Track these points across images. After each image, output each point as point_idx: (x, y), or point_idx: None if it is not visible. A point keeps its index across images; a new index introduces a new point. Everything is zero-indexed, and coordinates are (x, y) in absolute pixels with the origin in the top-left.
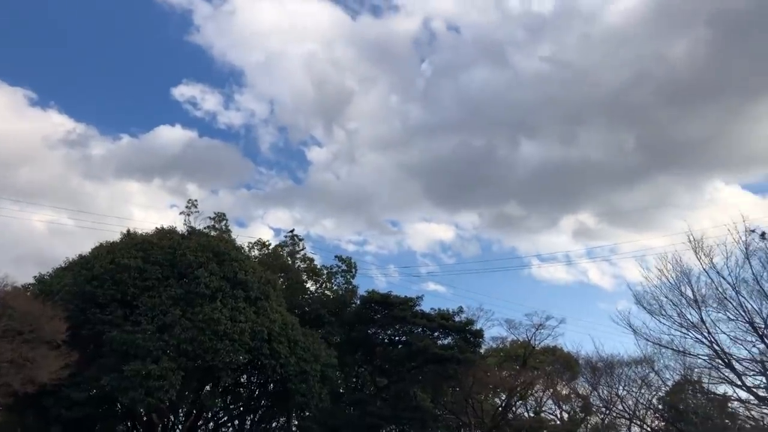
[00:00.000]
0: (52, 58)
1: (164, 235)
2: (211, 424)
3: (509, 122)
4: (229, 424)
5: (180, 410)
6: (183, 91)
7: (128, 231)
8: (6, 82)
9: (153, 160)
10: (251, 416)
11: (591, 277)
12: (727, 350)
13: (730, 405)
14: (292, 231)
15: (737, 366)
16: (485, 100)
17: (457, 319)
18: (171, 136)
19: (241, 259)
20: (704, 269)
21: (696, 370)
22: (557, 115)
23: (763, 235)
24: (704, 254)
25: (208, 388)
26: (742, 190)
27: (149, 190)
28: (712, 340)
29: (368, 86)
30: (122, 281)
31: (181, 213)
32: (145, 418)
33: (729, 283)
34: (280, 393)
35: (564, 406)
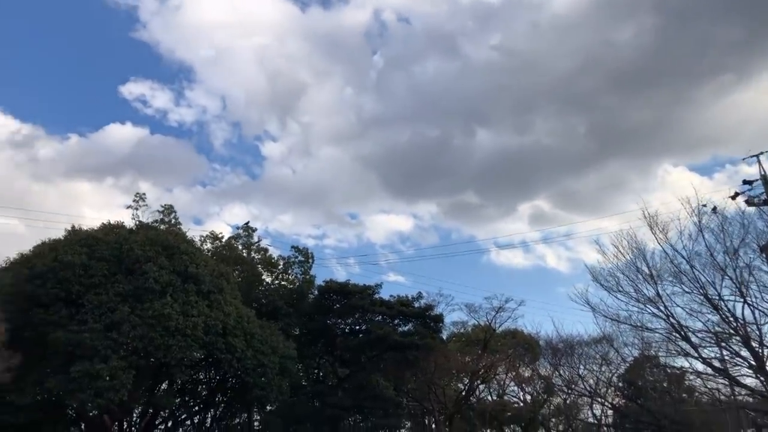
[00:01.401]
0: None
1: (111, 230)
2: (170, 422)
3: (462, 112)
4: (188, 422)
5: (135, 411)
6: (131, 89)
7: (73, 227)
8: None
9: (104, 159)
10: (211, 413)
11: (548, 261)
12: (683, 323)
13: (687, 378)
14: (246, 223)
15: (693, 338)
16: (438, 90)
17: (416, 305)
18: (121, 134)
19: (191, 252)
20: (659, 244)
21: (654, 344)
22: (509, 103)
23: (714, 209)
24: (659, 230)
25: (164, 386)
26: (689, 172)
27: (101, 190)
28: (669, 313)
29: (322, 79)
30: (66, 279)
31: (128, 207)
32: (96, 421)
33: (683, 257)
34: (239, 388)
35: (527, 388)
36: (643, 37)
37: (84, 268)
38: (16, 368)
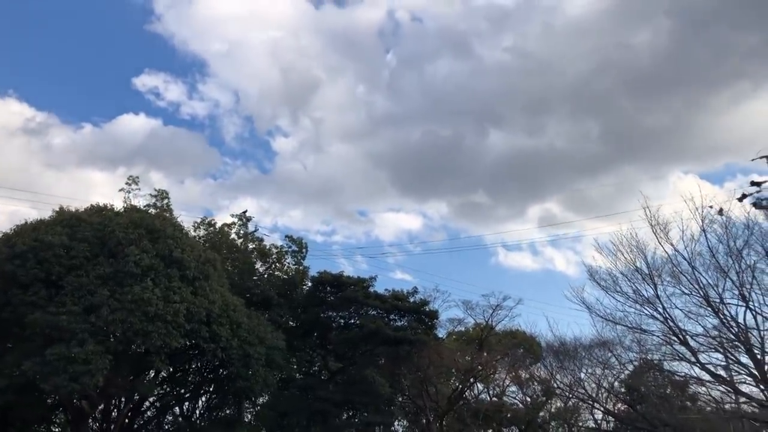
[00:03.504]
0: (10, 46)
1: (97, 211)
2: (153, 410)
3: (474, 112)
4: (169, 412)
5: (115, 398)
6: (145, 81)
7: (61, 208)
8: None
9: (117, 149)
10: (201, 402)
11: (557, 264)
12: (682, 327)
13: (690, 386)
14: (244, 212)
15: (692, 342)
16: (450, 90)
17: (411, 300)
18: (135, 124)
19: (177, 237)
20: (659, 243)
21: (651, 348)
22: (522, 104)
23: (720, 211)
24: (660, 228)
25: (151, 374)
26: (700, 179)
27: (113, 180)
28: (667, 316)
29: (334, 76)
30: (46, 259)
31: (120, 190)
32: (76, 406)
33: (683, 257)
34: (224, 378)
35: (527, 390)
36: (660, 40)
37: (65, 248)
38: None
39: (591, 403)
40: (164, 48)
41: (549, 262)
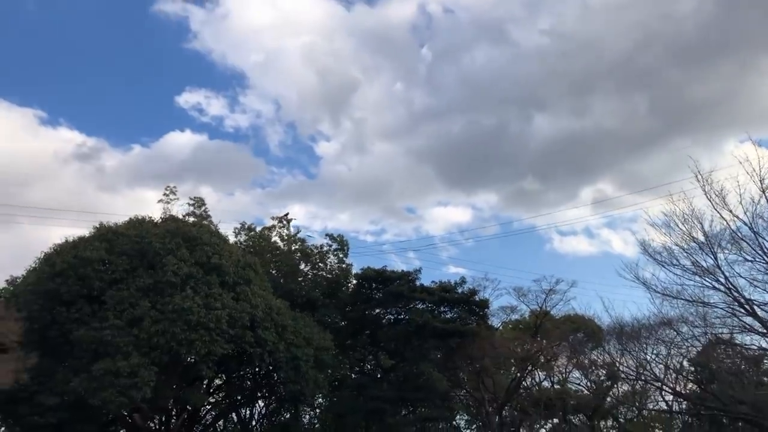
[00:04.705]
0: (56, 76)
1: (135, 224)
2: (210, 418)
3: (517, 98)
4: (221, 420)
5: (170, 410)
6: (187, 98)
7: (101, 224)
8: (15, 102)
9: (165, 167)
10: (257, 408)
11: (615, 246)
12: (747, 296)
13: (766, 360)
14: (286, 214)
15: (760, 312)
16: (489, 79)
17: (459, 290)
18: (181, 141)
19: (214, 243)
20: (715, 209)
21: (713, 320)
22: (566, 86)
23: None
24: (715, 194)
25: (205, 384)
26: (759, 147)
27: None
28: (730, 286)
29: (371, 75)
30: (86, 275)
31: (159, 201)
32: (128, 420)
33: (744, 222)
34: (276, 383)
35: (590, 376)
36: (704, 6)
37: (103, 263)
38: (39, 368)
39: (659, 385)
40: (203, 64)
41: (606, 245)
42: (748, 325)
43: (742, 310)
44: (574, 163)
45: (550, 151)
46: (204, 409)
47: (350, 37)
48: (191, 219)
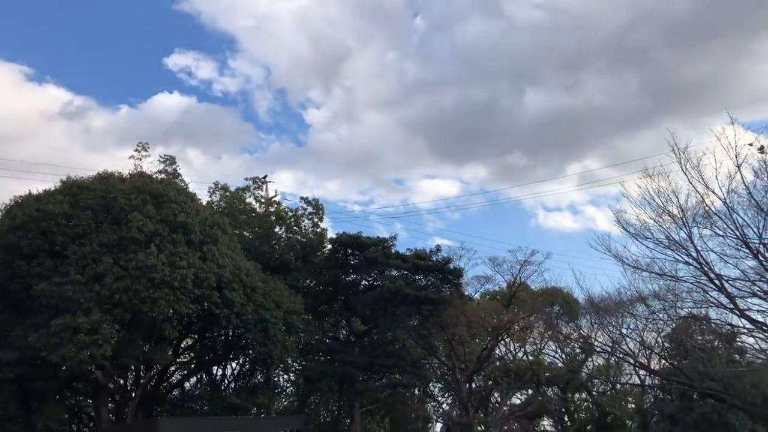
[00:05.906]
0: (44, 33)
1: (102, 179)
2: (178, 377)
3: (509, 72)
4: (192, 379)
5: (133, 369)
6: (176, 60)
7: (68, 177)
8: (1, 57)
9: (154, 129)
10: (230, 369)
11: (599, 223)
12: (718, 272)
13: (739, 338)
14: (264, 177)
15: (729, 288)
16: (482, 52)
17: (434, 258)
18: (169, 103)
19: (182, 201)
20: (689, 182)
21: (682, 293)
22: (558, 61)
23: (761, 149)
24: (689, 166)
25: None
26: (745, 130)
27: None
28: (701, 261)
29: (364, 43)
30: (49, 229)
31: (130, 157)
32: (90, 377)
33: (717, 196)
34: (243, 345)
35: (565, 348)
36: None
37: (67, 217)
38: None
39: (632, 361)
40: (193, 26)
41: (591, 221)
42: (716, 299)
43: (712, 285)
44: (563, 139)
45: (539, 126)
46: (173, 369)
47: (344, 3)
48: (162, 176)
